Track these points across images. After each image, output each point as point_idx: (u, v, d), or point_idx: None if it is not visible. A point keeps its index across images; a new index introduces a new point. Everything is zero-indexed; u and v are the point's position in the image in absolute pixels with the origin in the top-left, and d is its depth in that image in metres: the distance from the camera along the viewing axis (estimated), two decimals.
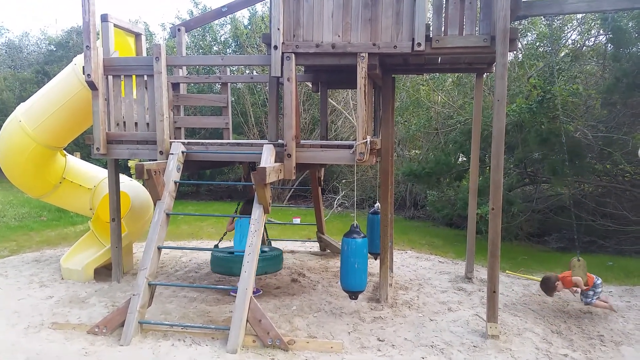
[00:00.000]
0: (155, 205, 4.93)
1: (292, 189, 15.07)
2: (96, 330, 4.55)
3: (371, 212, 6.73)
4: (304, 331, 4.71)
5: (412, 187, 13.14)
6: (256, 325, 4.34)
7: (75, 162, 7.07)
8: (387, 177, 5.55)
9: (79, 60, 5.94)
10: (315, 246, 8.27)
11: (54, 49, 22.03)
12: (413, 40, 4.74)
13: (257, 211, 4.76)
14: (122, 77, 5.43)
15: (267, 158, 4.95)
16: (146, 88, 5.39)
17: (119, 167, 6.03)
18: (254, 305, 4.41)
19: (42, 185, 6.73)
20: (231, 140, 5.72)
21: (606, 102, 7.94)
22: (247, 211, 5.88)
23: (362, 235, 4.96)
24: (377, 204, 6.74)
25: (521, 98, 7.93)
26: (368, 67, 4.77)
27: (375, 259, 6.93)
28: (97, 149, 5.39)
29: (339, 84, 7.69)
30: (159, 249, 4.80)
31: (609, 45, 8.27)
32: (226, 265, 5.53)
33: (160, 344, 4.36)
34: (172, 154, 5.15)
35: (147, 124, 5.41)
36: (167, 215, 4.94)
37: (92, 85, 5.26)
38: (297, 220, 11.04)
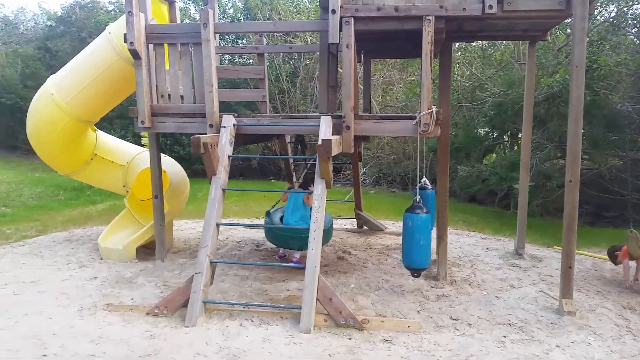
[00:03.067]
0: (210, 180, 4.68)
1: (307, 166, 14.86)
2: (156, 311, 4.33)
3: (418, 188, 6.51)
4: (370, 310, 4.52)
5: (432, 163, 12.91)
6: (327, 304, 4.14)
7: (106, 138, 6.77)
8: (446, 149, 5.29)
9: (113, 28, 5.61)
10: (350, 223, 8.07)
11: (54, 25, 21.37)
12: (483, 2, 4.45)
13: (319, 186, 4.52)
14: (166, 45, 5.11)
15: (326, 130, 4.69)
16: (191, 58, 5.09)
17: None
18: (323, 283, 4.21)
19: (73, 162, 6.44)
20: (283, 113, 5.44)
21: None
22: (305, 187, 5.69)
23: (426, 210, 4.75)
24: (424, 179, 6.54)
25: (563, 69, 7.66)
26: (435, 32, 4.48)
27: None
28: (142, 122, 5.10)
29: (385, 54, 7.38)
30: (218, 225, 4.57)
31: None
32: (281, 239, 5.36)
33: (227, 324, 4.16)
34: (224, 127, 4.88)
35: (194, 96, 5.12)
36: (223, 190, 4.70)
37: (135, 54, 4.95)
38: None
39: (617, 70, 7.33)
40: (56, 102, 5.73)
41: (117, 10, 18.79)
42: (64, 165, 6.47)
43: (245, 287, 5.05)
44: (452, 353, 3.74)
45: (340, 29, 4.56)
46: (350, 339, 3.92)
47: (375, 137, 12.62)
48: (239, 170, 15.61)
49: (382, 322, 4.13)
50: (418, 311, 4.52)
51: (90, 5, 20.16)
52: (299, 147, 6.25)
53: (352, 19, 4.54)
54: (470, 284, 5.25)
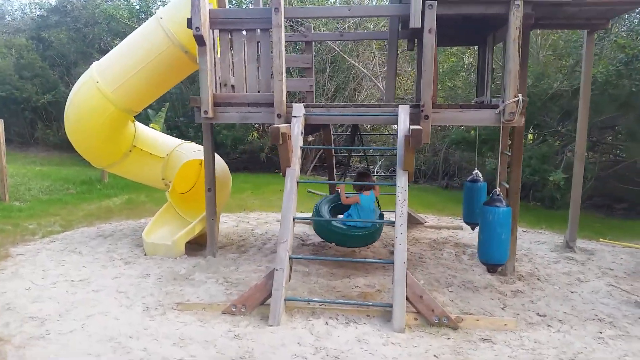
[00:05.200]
0: (284, 173, 4.45)
1: (315, 158, 14.61)
2: (233, 309, 4.10)
3: (469, 180, 6.38)
4: (452, 307, 4.35)
5: (446, 156, 12.80)
6: (417, 302, 3.96)
7: (144, 130, 6.46)
8: (521, 140, 5.13)
9: (165, 13, 5.32)
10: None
11: (46, 15, 20.64)
12: None
13: (402, 178, 4.32)
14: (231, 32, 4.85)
15: (405, 120, 4.50)
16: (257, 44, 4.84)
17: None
18: (411, 280, 4.02)
19: (112, 154, 6.13)
20: (354, 103, 5.22)
21: None
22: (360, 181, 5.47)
23: (506, 203, 4.60)
24: (476, 171, 6.39)
25: (605, 59, 7.58)
26: (523, 17, 4.30)
27: (473, 229, 6.62)
28: (205, 112, 4.83)
29: (442, 41, 7.04)
30: (294, 220, 4.34)
31: None
32: (341, 237, 5.16)
33: (312, 322, 3.95)
34: (295, 116, 4.65)
35: (259, 85, 4.87)
36: (297, 183, 4.47)
37: (200, 40, 4.68)
38: None
39: None
40: (102, 91, 5.42)
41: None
42: (102, 157, 6.15)
43: (311, 283, 4.84)
44: (557, 351, 3.60)
45: (423, 13, 4.36)
46: (448, 338, 3.74)
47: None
48: (243, 164, 15.30)
49: (477, 320, 3.96)
50: (502, 308, 4.37)
51: None
52: (354, 138, 6.01)
53: (436, 2, 4.35)
54: (538, 279, 5.13)
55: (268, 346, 3.60)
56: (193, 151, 6.32)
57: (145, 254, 5.73)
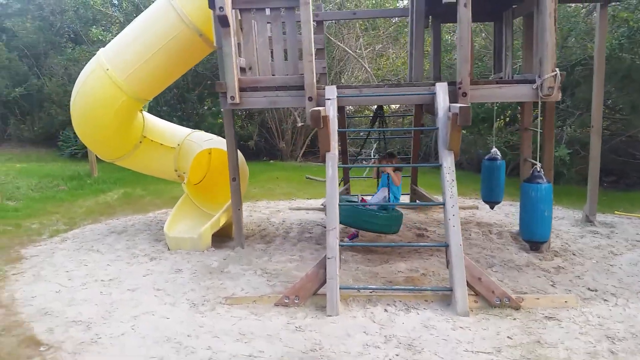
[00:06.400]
0: (324, 157, 4.29)
1: (304, 144, 14.40)
2: (286, 300, 3.95)
3: (487, 159, 6.35)
4: (505, 287, 4.28)
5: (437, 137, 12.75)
6: (476, 284, 3.89)
7: (153, 119, 6.17)
8: (552, 116, 5.08)
9: None
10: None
11: (6, 2, 19.58)
12: None
13: (448, 158, 4.22)
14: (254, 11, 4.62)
15: (445, 98, 4.39)
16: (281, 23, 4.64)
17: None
18: (468, 262, 3.95)
19: (123, 145, 5.84)
20: (387, 82, 5.08)
21: None
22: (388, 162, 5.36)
23: (547, 180, 4.58)
24: (494, 149, 6.36)
25: (610, 35, 7.62)
26: None
27: (492, 208, 6.62)
28: (232, 97, 4.61)
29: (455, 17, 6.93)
30: (340, 206, 4.20)
31: None
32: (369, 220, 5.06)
33: (370, 310, 3.85)
34: (328, 99, 4.48)
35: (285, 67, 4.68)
36: (337, 168, 4.32)
37: (223, 21, 4.43)
38: None
39: None
40: (112, 79, 5.12)
41: None
42: (113, 150, 5.86)
43: (353, 270, 4.73)
44: (625, 325, 3.59)
45: None
46: (514, 319, 3.69)
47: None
48: None
49: (537, 299, 3.93)
50: (551, 285, 4.35)
51: None
52: (375, 120, 5.86)
53: None
54: (573, 254, 5.15)
55: (334, 337, 3.48)
56: (205, 140, 6.09)
57: (168, 249, 5.50)
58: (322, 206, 7.54)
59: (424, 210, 7.23)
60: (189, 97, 13.33)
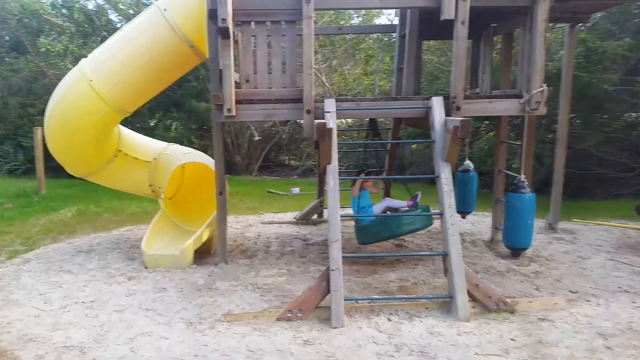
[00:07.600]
0: (324, 171, 4.31)
1: (259, 159, 14.30)
2: (288, 314, 3.91)
3: (460, 170, 6.58)
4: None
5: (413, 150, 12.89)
6: (474, 290, 4.01)
7: (128, 132, 5.95)
8: (533, 129, 5.34)
9: (169, 4, 4.92)
10: None
11: None
12: None
13: (445, 170, 4.35)
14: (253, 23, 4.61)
15: (440, 112, 4.54)
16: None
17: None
18: (466, 270, 4.07)
19: (97, 159, 5.59)
20: (384, 96, 5.17)
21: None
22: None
23: (529, 190, 4.82)
24: (467, 162, 6.60)
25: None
26: (549, 10, 4.49)
27: (464, 218, 6.85)
28: (228, 110, 4.54)
29: (434, 35, 6.99)
30: (341, 218, 4.22)
31: None
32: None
33: (375, 320, 3.88)
34: (328, 112, 4.51)
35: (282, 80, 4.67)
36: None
37: (224, 33, 4.37)
38: (296, 190, 10.53)
39: (620, 54, 7.85)
40: (96, 90, 4.91)
41: None
42: (87, 164, 5.58)
43: (345, 282, 4.68)
44: (611, 322, 3.82)
45: (457, 4, 4.39)
46: (511, 322, 3.84)
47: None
48: None
49: (530, 302, 4.10)
50: (535, 289, 4.56)
51: None
52: (372, 133, 5.91)
53: None
54: (547, 259, 5.42)
55: (346, 349, 3.48)
56: (184, 153, 5.94)
57: (145, 267, 5.29)
58: (294, 219, 7.52)
59: None
60: (139, 110, 12.91)
